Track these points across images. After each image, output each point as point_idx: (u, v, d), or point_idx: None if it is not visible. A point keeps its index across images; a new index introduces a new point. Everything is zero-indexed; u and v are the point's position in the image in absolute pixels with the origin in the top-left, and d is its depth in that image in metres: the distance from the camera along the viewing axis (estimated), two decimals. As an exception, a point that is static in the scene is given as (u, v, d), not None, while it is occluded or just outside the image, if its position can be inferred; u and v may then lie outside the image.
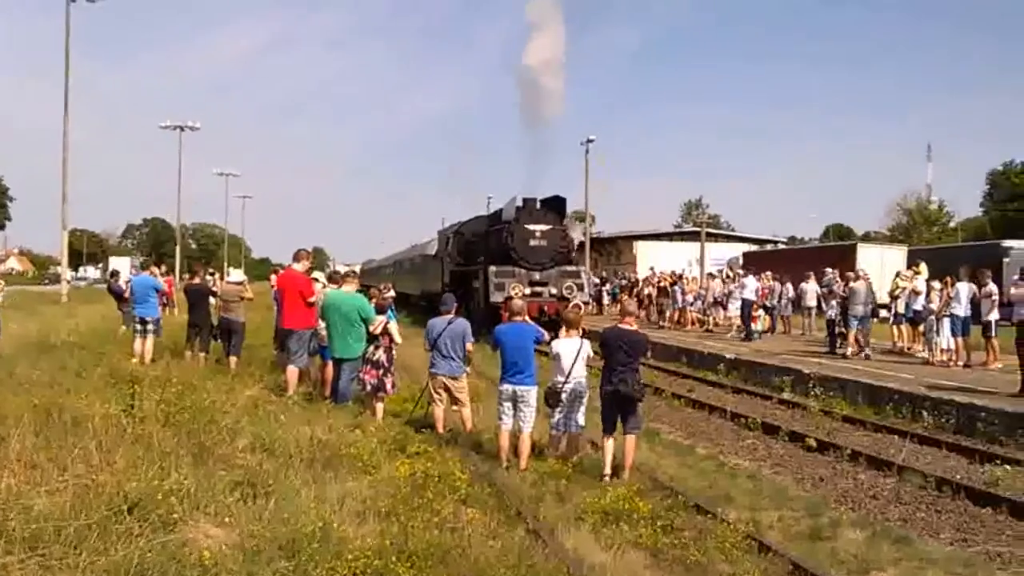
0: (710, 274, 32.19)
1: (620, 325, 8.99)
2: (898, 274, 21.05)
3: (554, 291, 24.97)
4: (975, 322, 16.95)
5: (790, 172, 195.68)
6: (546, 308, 23.22)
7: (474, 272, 27.22)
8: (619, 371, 8.65)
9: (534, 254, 25.47)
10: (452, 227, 34.14)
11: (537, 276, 25.27)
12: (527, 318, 9.96)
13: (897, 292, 19.58)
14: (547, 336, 9.80)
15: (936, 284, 17.76)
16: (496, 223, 28.02)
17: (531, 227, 25.66)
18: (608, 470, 8.70)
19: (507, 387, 9.22)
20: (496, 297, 23.72)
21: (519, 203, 26.61)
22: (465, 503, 7.21)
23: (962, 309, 16.62)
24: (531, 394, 9.20)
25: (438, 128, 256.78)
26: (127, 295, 23.00)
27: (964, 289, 16.65)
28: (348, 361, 11.21)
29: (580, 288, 25.43)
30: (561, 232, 26.32)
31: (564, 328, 9.72)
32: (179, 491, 5.89)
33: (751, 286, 23.44)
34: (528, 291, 24.13)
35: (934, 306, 17.34)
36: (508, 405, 9.21)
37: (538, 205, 26.67)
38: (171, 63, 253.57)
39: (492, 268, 25.05)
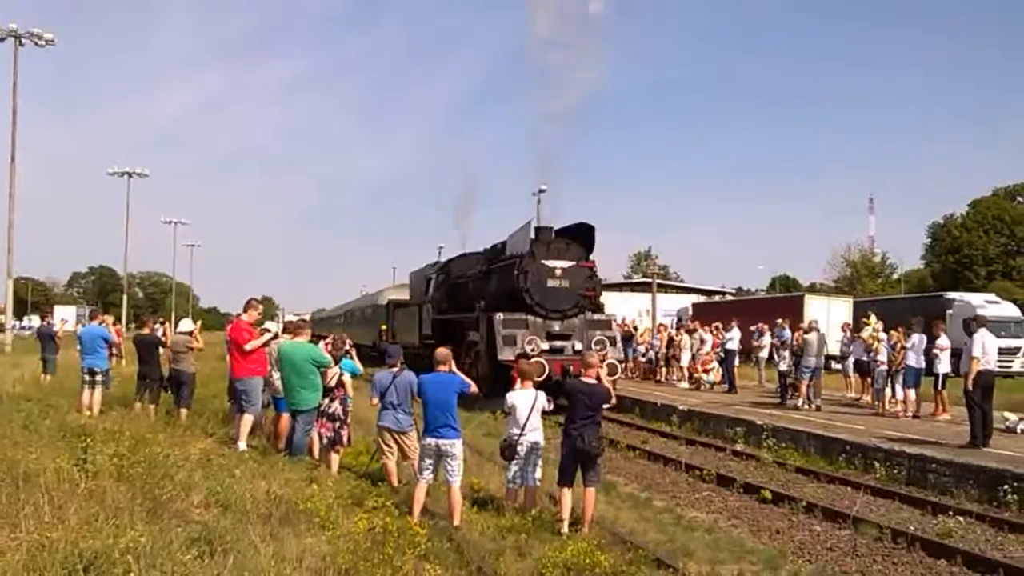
0: (661, 324, 32.33)
1: (582, 378, 8.99)
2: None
3: (579, 346, 19.69)
4: (927, 373, 17.21)
5: (735, 224, 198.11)
6: (571, 368, 17.26)
7: (469, 321, 22.20)
8: (579, 424, 8.64)
9: (553, 298, 20.37)
10: (432, 266, 29.18)
11: (557, 327, 20.29)
12: (453, 368, 9.38)
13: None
14: (473, 387, 9.51)
15: (884, 336, 17.99)
16: (497, 259, 22.95)
17: (549, 263, 20.48)
18: (566, 524, 8.64)
19: (431, 441, 8.83)
20: (506, 354, 19.01)
21: (531, 234, 21.28)
22: (426, 559, 7.11)
23: (915, 360, 16.86)
24: (456, 447, 8.87)
25: (390, 180, 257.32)
26: (60, 335, 22.63)
27: (917, 340, 16.89)
28: (303, 412, 11.02)
29: (612, 342, 20.41)
30: (588, 271, 21.14)
31: (519, 380, 9.71)
32: (135, 549, 5.74)
33: (736, 337, 23.48)
34: (546, 345, 19.69)
35: (883, 357, 17.54)
36: (430, 460, 8.87)
37: (552, 235, 21.48)
38: (119, 114, 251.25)
39: (499, 316, 19.82)
